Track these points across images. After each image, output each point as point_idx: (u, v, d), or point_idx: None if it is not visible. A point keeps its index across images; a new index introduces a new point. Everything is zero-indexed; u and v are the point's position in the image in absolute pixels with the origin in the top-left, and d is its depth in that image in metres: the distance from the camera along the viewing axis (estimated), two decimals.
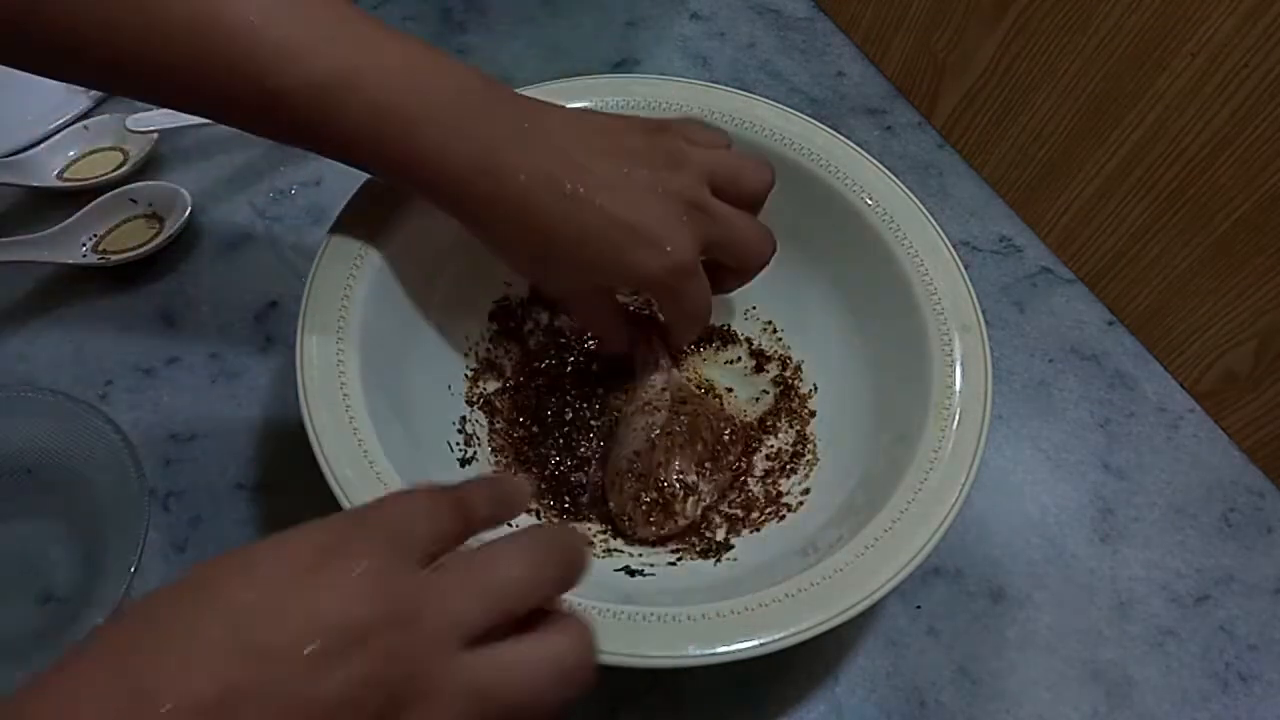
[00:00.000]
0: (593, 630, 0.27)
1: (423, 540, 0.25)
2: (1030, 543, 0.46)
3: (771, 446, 0.46)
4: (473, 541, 0.27)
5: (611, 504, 0.43)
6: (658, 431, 0.42)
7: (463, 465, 0.42)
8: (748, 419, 0.47)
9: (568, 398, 0.47)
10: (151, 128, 0.53)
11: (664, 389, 0.44)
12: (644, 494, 0.42)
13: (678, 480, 0.42)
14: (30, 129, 0.55)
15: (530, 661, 0.25)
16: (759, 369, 0.49)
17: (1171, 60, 0.46)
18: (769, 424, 0.47)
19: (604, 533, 0.43)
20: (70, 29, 0.32)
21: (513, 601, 0.25)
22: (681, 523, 0.42)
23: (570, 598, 0.28)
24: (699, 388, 0.48)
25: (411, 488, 0.27)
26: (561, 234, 0.36)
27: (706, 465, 0.43)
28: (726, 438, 0.44)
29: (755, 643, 0.33)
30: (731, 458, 0.44)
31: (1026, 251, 0.57)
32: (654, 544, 0.42)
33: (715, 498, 0.43)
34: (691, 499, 0.42)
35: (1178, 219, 0.49)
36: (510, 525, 0.35)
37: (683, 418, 0.43)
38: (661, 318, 0.46)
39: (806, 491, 0.43)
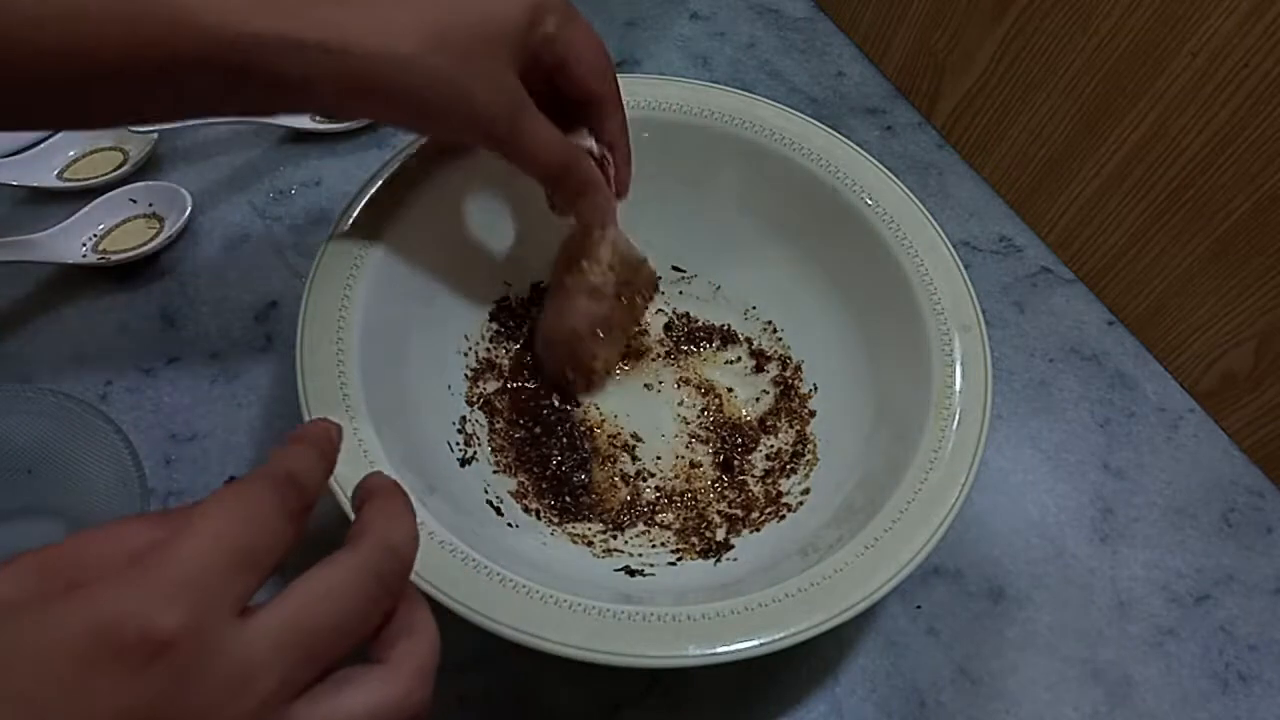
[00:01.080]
0: (434, 650, 0.25)
1: (235, 581, 0.22)
2: (1030, 543, 0.46)
3: (771, 446, 0.46)
4: None
5: (544, 360, 0.47)
6: (599, 327, 0.45)
7: (463, 465, 0.42)
8: (747, 419, 0.47)
9: (569, 398, 0.47)
10: (152, 127, 0.53)
11: (610, 267, 0.44)
12: (570, 371, 0.46)
13: (602, 364, 0.47)
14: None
15: (353, 714, 0.23)
16: (759, 369, 0.49)
17: (1171, 60, 0.46)
18: (769, 424, 0.47)
19: (604, 533, 0.43)
20: None
21: (339, 649, 0.23)
22: (596, 381, 0.47)
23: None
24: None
25: (218, 498, 0.23)
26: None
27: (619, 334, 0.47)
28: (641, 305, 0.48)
29: (755, 643, 0.33)
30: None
31: (1026, 251, 0.57)
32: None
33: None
34: (607, 371, 0.48)
35: (1178, 219, 0.49)
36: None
37: (622, 305, 0.46)
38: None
39: (806, 491, 0.43)
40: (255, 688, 0.21)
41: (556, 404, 0.47)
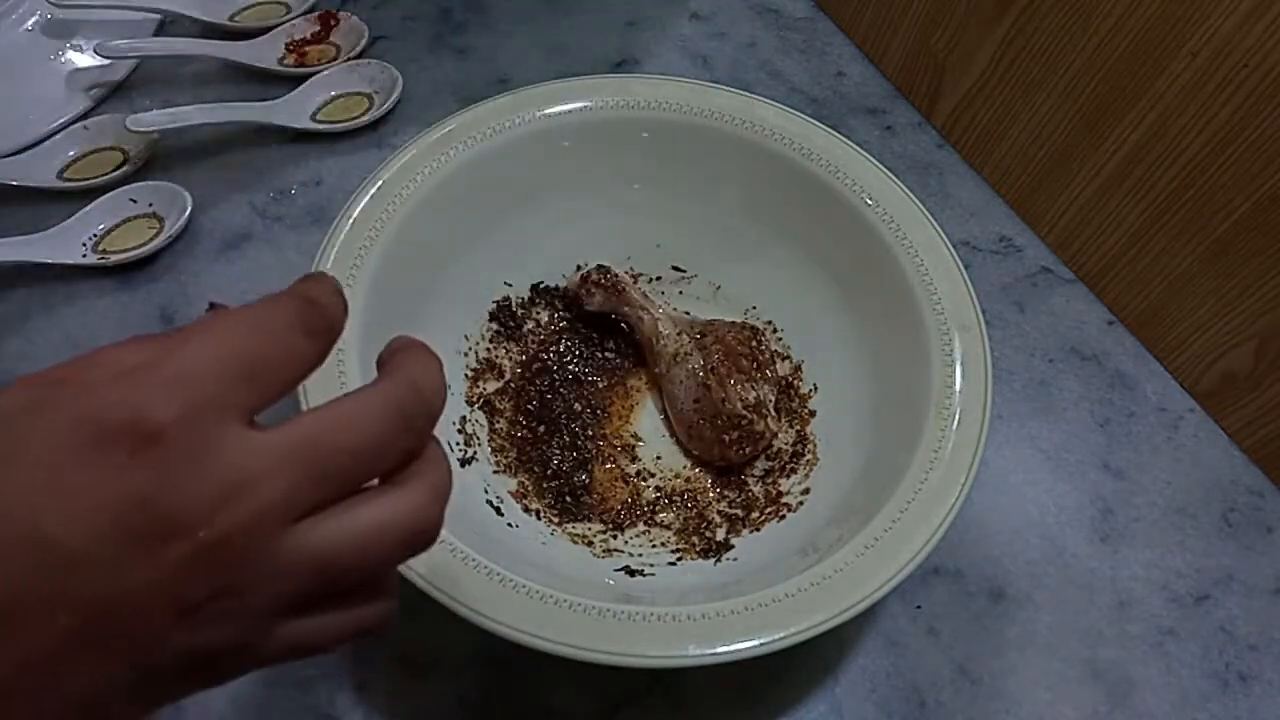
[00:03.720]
0: (447, 477, 0.24)
1: (239, 386, 0.21)
2: (1030, 543, 0.46)
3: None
4: None
5: (698, 453, 0.45)
6: (702, 373, 0.44)
7: (463, 465, 0.42)
8: None
9: (570, 398, 0.47)
10: (151, 127, 0.53)
11: (679, 333, 0.46)
12: (725, 435, 0.43)
13: (742, 405, 0.43)
14: (30, 129, 0.55)
15: (367, 532, 0.22)
16: None
17: (1171, 60, 0.46)
18: None
19: (604, 533, 0.43)
20: None
21: (351, 478, 0.22)
22: (769, 436, 0.45)
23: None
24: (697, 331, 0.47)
25: (234, 309, 0.22)
26: None
27: (755, 373, 0.44)
28: (753, 343, 0.45)
29: (755, 643, 0.33)
30: (765, 355, 0.45)
31: (1026, 251, 0.57)
32: (751, 461, 0.45)
33: (777, 394, 0.45)
34: (769, 415, 0.44)
35: (1177, 219, 0.49)
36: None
37: (715, 347, 0.45)
38: (622, 278, 0.48)
39: (806, 491, 0.43)
40: (253, 495, 0.20)
41: (556, 403, 0.47)
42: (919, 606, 0.43)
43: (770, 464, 0.45)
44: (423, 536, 0.23)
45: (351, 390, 0.23)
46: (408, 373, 0.24)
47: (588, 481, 0.44)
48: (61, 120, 0.56)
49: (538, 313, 0.49)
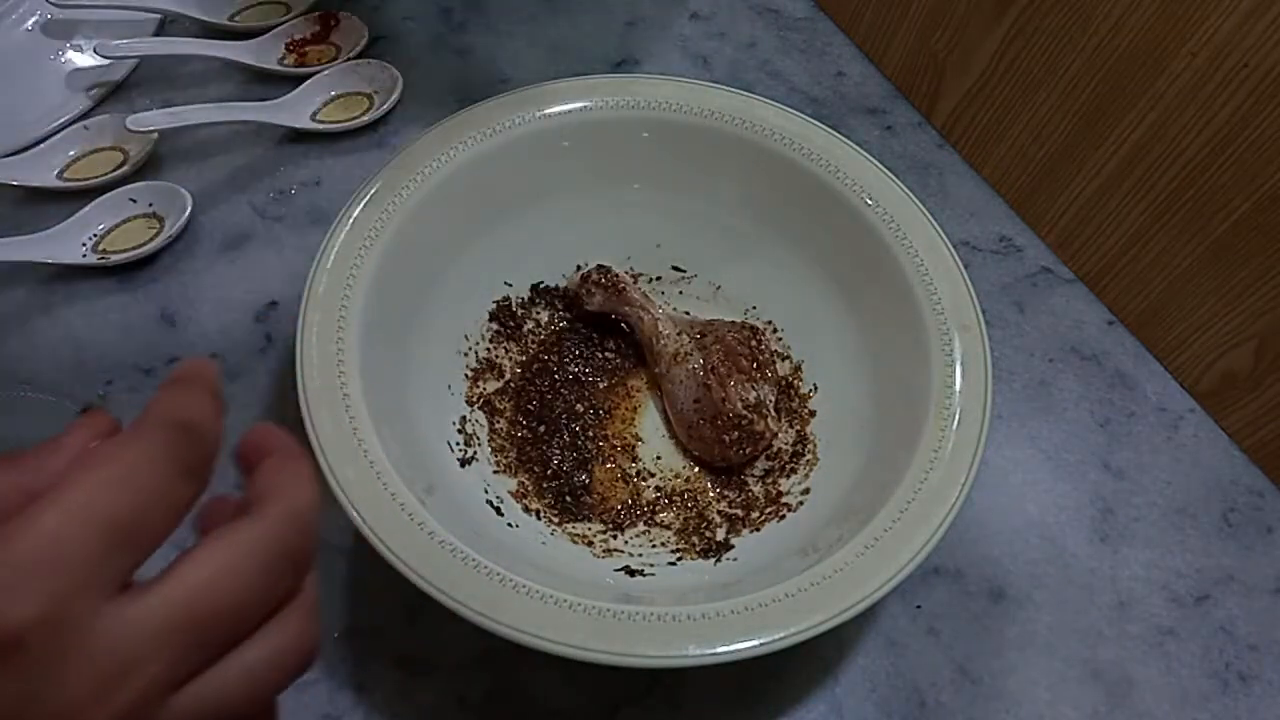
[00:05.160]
0: (317, 590, 0.23)
1: (109, 559, 0.19)
2: (1030, 543, 0.46)
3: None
4: None
5: (698, 453, 0.45)
6: (702, 373, 0.44)
7: (463, 465, 0.42)
8: None
9: (570, 398, 0.47)
10: (151, 127, 0.53)
11: (679, 333, 0.46)
12: (725, 435, 0.43)
13: (742, 405, 0.43)
14: (30, 129, 0.55)
15: (254, 676, 0.21)
16: None
17: (1171, 60, 0.46)
18: None
19: (604, 533, 0.43)
20: None
21: (235, 635, 0.21)
22: (769, 436, 0.44)
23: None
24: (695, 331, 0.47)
25: (92, 459, 0.19)
26: None
27: (755, 373, 0.44)
28: (753, 343, 0.45)
29: (755, 643, 0.33)
30: (765, 355, 0.45)
31: (1026, 251, 0.57)
32: (750, 462, 0.45)
33: (777, 393, 0.45)
34: (769, 415, 0.44)
35: (1177, 219, 0.49)
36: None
37: (715, 347, 0.45)
38: (624, 279, 0.48)
39: (806, 491, 0.43)
40: (133, 681, 0.18)
41: (557, 403, 0.47)
42: (919, 606, 0.43)
43: (770, 464, 0.45)
44: (307, 660, 0.22)
45: (226, 532, 0.21)
46: (286, 503, 0.22)
47: (588, 481, 0.44)
48: (61, 120, 0.56)
49: (538, 313, 0.49)
